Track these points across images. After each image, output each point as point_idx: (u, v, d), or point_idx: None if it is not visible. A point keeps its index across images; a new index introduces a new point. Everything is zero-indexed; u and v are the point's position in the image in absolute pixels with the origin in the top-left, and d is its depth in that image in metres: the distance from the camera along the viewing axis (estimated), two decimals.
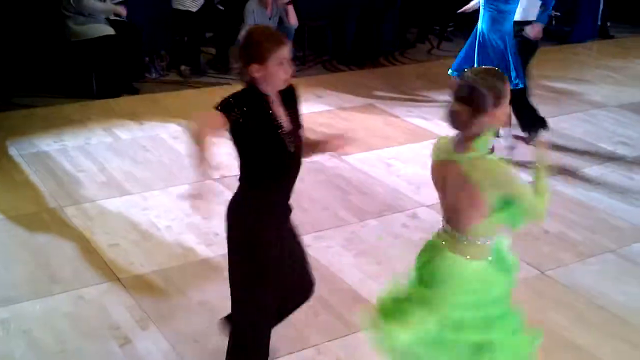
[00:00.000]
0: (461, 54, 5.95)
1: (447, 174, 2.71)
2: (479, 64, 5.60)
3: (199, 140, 2.60)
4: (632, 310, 3.97)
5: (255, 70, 2.79)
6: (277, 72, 2.81)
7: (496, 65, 5.19)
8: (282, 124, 2.87)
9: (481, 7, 5.77)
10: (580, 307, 3.98)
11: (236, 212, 2.96)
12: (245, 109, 2.77)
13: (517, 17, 5.82)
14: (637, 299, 4.09)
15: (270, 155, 2.86)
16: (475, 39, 5.80)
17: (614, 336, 3.75)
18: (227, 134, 2.75)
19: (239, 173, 2.94)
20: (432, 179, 2.80)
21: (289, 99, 2.95)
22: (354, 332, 3.67)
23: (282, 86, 2.88)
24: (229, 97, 2.79)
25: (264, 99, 2.85)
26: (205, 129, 2.65)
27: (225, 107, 2.74)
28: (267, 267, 2.93)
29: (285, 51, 2.82)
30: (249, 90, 2.84)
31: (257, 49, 2.79)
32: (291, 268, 3.09)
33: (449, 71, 5.90)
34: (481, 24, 5.78)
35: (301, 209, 4.95)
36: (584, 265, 4.41)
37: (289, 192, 3.04)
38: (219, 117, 2.71)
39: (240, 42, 2.85)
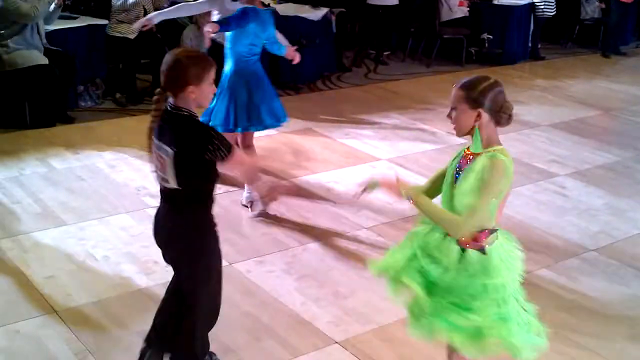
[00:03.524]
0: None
1: None
2: None
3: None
4: (567, 324, 4.04)
5: (191, 92, 2.87)
6: (208, 91, 2.95)
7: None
8: None
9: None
10: None
11: (186, 231, 3.07)
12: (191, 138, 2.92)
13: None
14: (573, 312, 4.18)
15: (215, 176, 3.01)
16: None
17: (553, 351, 3.81)
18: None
19: (174, 196, 3.02)
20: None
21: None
22: (296, 357, 3.67)
23: (206, 106, 3.10)
24: (208, 130, 2.95)
25: (196, 116, 2.98)
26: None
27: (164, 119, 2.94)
28: (219, 273, 3.20)
29: (214, 71, 2.96)
30: (190, 116, 2.93)
31: (193, 70, 2.87)
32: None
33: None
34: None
35: (242, 234, 4.96)
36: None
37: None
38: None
39: (170, 66, 2.90)
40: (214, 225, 3.11)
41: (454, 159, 2.94)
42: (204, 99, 2.98)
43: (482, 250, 2.84)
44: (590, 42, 11.69)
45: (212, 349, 3.51)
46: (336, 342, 3.80)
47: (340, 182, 5.90)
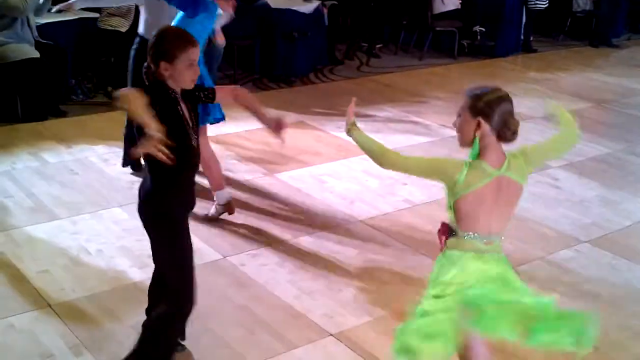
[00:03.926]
0: None
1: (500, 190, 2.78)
2: None
3: (139, 105, 2.73)
4: None
5: (164, 69, 2.93)
6: (185, 72, 2.97)
7: None
8: (187, 120, 3.04)
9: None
10: None
11: (152, 201, 3.15)
12: (159, 100, 2.89)
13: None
14: (566, 304, 4.16)
15: (177, 150, 2.87)
16: None
17: None
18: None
19: (146, 164, 3.10)
20: (477, 204, 2.76)
21: (190, 96, 3.11)
22: (291, 350, 3.67)
23: (189, 86, 3.03)
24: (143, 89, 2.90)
25: (172, 95, 3.00)
26: (140, 99, 2.75)
27: (146, 90, 2.86)
28: (181, 233, 3.19)
29: (194, 52, 2.98)
30: (157, 87, 2.98)
31: (167, 47, 2.94)
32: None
33: None
34: None
35: (235, 228, 4.95)
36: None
37: (192, 184, 3.25)
38: (143, 97, 2.79)
39: (151, 40, 3.00)
40: (180, 192, 3.15)
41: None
42: (181, 80, 2.99)
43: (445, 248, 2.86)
44: (582, 34, 11.71)
45: (205, 342, 3.52)
46: (330, 335, 3.80)
47: (333, 175, 5.90)
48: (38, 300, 4.03)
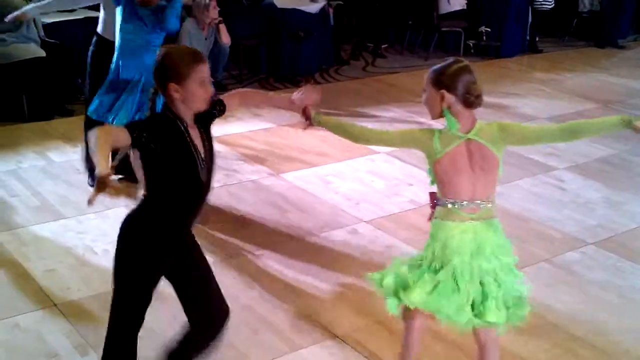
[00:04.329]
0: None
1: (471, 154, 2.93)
2: None
3: (99, 144, 2.43)
4: (567, 317, 4.07)
5: (174, 91, 2.66)
6: (197, 92, 2.68)
7: None
8: (198, 153, 2.74)
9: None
10: None
11: (129, 227, 2.89)
12: (159, 134, 2.64)
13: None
14: (572, 306, 4.20)
15: (182, 184, 2.73)
16: None
17: (550, 343, 3.83)
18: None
19: (145, 190, 2.83)
20: (451, 168, 2.93)
21: (203, 117, 2.82)
22: (296, 350, 3.68)
23: (203, 107, 2.75)
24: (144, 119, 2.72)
25: (180, 124, 2.71)
26: (108, 136, 2.49)
27: (131, 126, 2.63)
28: (138, 290, 2.91)
29: (205, 69, 2.71)
30: (164, 115, 2.72)
31: (175, 67, 2.66)
32: (194, 296, 3.01)
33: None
34: None
35: (240, 228, 4.96)
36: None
37: (194, 217, 2.91)
38: (122, 133, 2.57)
39: (156, 61, 2.71)
40: (172, 235, 2.85)
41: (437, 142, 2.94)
42: (195, 102, 2.71)
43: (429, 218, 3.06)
44: (588, 35, 11.69)
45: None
46: (336, 336, 3.81)
47: (338, 176, 5.90)
48: (44, 299, 4.04)
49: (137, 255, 2.85)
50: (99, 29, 5.35)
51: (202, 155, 2.76)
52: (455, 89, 2.89)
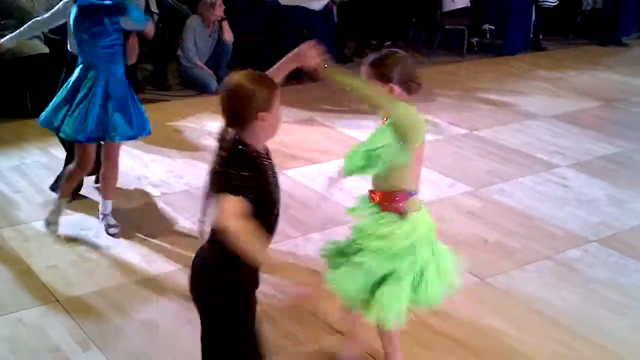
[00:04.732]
0: None
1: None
2: None
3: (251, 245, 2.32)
4: (569, 314, 4.07)
5: (264, 119, 2.47)
6: (279, 116, 2.56)
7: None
8: (277, 182, 2.64)
9: None
10: (520, 313, 4.07)
11: (218, 277, 2.55)
12: (257, 184, 2.48)
13: None
14: (574, 303, 4.20)
15: (262, 223, 2.51)
16: None
17: (553, 340, 3.83)
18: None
19: (214, 233, 2.52)
20: (421, 156, 3.10)
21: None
22: (299, 348, 3.67)
23: (275, 134, 2.60)
24: (232, 174, 2.41)
25: (263, 161, 2.57)
26: (248, 234, 2.34)
27: (238, 193, 2.39)
28: (254, 342, 2.65)
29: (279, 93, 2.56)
30: (243, 152, 2.48)
31: (263, 95, 2.46)
32: None
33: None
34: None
35: None
36: (522, 272, 4.50)
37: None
38: (242, 205, 2.38)
39: (231, 95, 2.47)
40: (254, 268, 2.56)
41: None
42: (276, 128, 2.57)
43: (401, 214, 3.05)
44: (591, 32, 11.66)
45: None
46: (339, 333, 3.80)
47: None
48: (46, 295, 4.05)
49: (242, 297, 2.61)
50: (71, 47, 4.96)
51: (278, 186, 2.69)
52: (399, 79, 2.96)
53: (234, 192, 2.37)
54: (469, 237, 4.86)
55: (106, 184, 4.77)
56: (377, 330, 3.30)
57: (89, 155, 4.57)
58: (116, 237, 4.67)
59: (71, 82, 4.55)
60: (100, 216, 4.80)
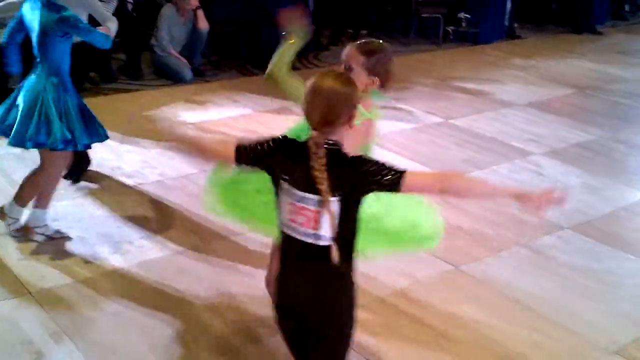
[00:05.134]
0: None
1: None
2: None
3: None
4: (544, 301, 4.08)
5: (353, 117, 2.43)
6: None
7: None
8: None
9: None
10: (494, 300, 4.08)
11: (344, 291, 2.52)
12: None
13: None
14: (548, 290, 4.22)
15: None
16: None
17: (527, 327, 3.84)
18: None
19: (334, 241, 2.40)
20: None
21: None
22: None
23: None
24: (369, 170, 2.39)
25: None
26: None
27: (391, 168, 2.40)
28: None
29: None
30: (344, 157, 2.42)
31: (355, 94, 2.43)
32: None
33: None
34: None
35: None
36: (497, 259, 4.51)
37: None
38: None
39: (331, 98, 2.36)
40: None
41: None
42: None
43: None
44: (566, 21, 11.71)
45: (212, 344, 3.48)
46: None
47: None
48: (19, 288, 3.99)
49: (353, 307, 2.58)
50: None
51: None
52: (383, 75, 3.02)
53: (393, 170, 2.39)
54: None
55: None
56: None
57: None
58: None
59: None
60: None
